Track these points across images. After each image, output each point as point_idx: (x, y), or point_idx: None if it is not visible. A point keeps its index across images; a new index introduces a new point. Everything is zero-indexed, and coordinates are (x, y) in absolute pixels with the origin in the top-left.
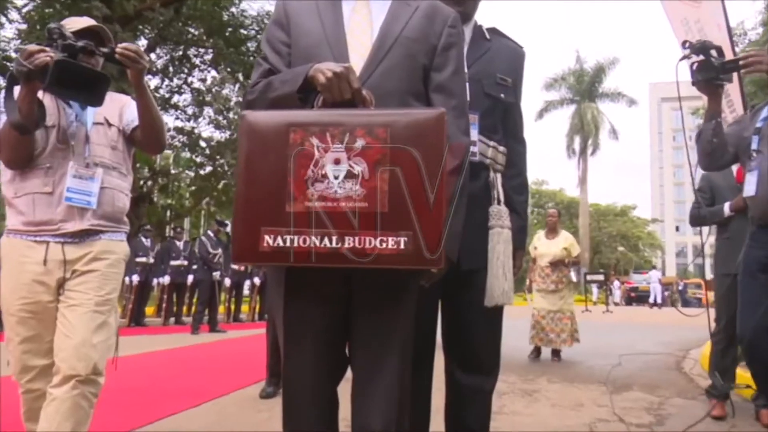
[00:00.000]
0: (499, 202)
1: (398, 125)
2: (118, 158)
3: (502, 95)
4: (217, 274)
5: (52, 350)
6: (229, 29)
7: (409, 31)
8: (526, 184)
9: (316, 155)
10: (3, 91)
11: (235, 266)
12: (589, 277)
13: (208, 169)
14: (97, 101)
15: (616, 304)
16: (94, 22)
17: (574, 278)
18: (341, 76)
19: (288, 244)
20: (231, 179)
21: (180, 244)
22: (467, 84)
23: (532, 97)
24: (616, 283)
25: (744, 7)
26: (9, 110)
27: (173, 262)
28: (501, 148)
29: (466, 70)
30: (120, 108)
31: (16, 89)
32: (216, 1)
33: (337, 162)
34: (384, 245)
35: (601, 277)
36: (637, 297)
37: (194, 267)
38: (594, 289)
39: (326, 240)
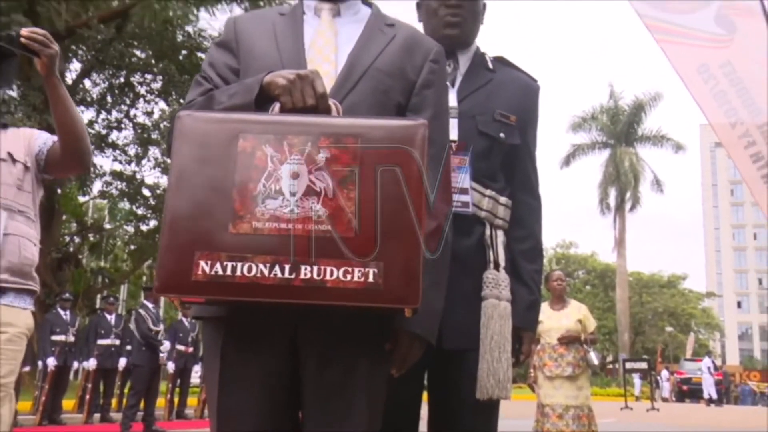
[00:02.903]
0: (497, 267)
1: (371, 136)
2: (24, 200)
3: (502, 135)
4: (164, 355)
5: None
6: (184, 52)
7: (383, 62)
8: (539, 249)
9: (270, 167)
10: None
11: (181, 347)
12: (629, 365)
13: (153, 223)
14: (5, 83)
15: (664, 399)
16: None
17: (594, 360)
18: (305, 78)
19: (228, 272)
20: None
21: (111, 318)
22: (457, 120)
23: (557, 140)
24: (664, 373)
25: None
26: None
27: (101, 341)
28: (502, 199)
29: (456, 104)
30: (27, 141)
31: None
32: (167, 18)
33: (295, 176)
34: (348, 277)
35: (644, 366)
36: (689, 391)
37: (129, 348)
38: (636, 380)
39: (277, 269)
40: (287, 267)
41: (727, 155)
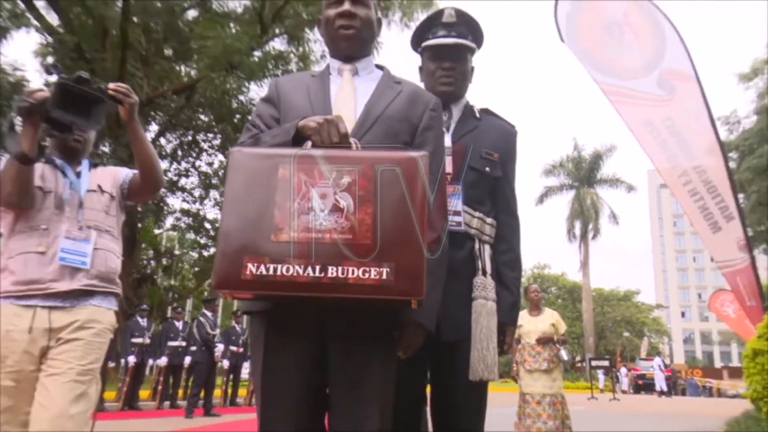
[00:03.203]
0: (484, 274)
1: (384, 164)
2: (110, 222)
3: (488, 169)
4: (219, 354)
5: (28, 422)
6: (237, 116)
7: (392, 111)
8: (518, 260)
9: (303, 189)
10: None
11: (233, 348)
12: (594, 363)
13: (213, 250)
14: (96, 123)
15: (623, 391)
16: None
17: (565, 356)
18: (331, 121)
19: (271, 272)
20: None
21: (179, 324)
22: (450, 157)
23: (532, 183)
24: (623, 370)
25: (735, 94)
26: (11, 144)
27: (171, 343)
28: (489, 219)
29: (450, 145)
30: (113, 176)
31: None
32: (226, 90)
33: (323, 196)
34: (366, 275)
35: (606, 364)
36: (644, 384)
37: (192, 348)
38: (600, 375)
39: (309, 269)
40: (317, 267)
41: (670, 193)
